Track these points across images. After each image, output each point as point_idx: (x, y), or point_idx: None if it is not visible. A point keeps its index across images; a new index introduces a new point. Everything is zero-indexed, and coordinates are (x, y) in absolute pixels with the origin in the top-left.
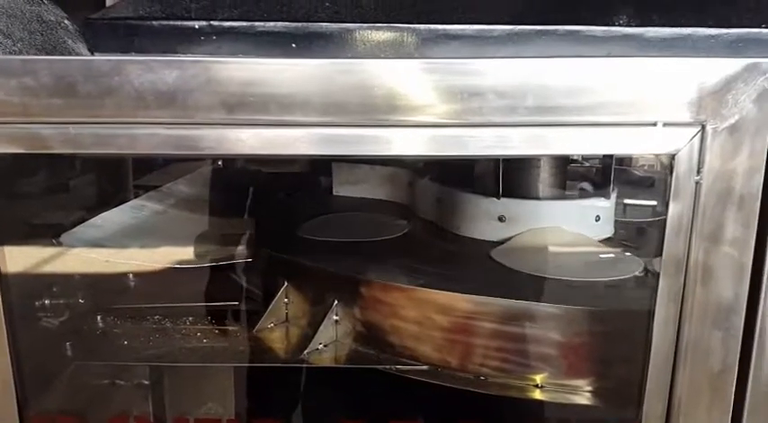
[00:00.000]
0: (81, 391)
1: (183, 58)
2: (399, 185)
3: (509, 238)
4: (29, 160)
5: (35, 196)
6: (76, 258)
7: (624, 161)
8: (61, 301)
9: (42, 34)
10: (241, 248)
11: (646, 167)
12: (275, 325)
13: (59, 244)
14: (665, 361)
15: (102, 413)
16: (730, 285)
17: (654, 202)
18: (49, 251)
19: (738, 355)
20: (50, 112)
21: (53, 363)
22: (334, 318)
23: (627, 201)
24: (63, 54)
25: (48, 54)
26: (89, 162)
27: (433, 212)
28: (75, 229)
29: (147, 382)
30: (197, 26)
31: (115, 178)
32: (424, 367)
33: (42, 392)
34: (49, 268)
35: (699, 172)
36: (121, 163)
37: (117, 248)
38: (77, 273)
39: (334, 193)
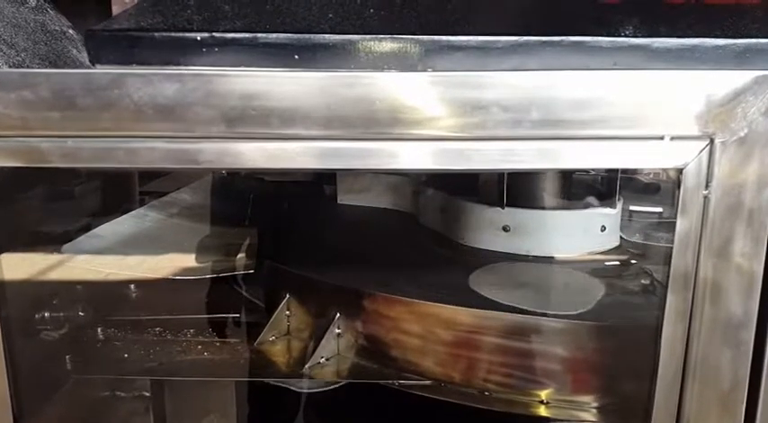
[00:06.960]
0: (81, 403)
1: (182, 70)
2: (404, 194)
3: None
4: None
5: (39, 204)
6: (77, 269)
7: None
8: (61, 313)
9: (46, 44)
10: (243, 259)
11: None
12: (277, 338)
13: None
14: (673, 378)
15: None
16: (740, 301)
17: (659, 209)
18: (49, 262)
19: (749, 373)
20: (49, 126)
21: (53, 375)
22: (337, 331)
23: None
24: (67, 64)
25: (51, 64)
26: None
27: (438, 222)
28: (77, 240)
29: (147, 395)
30: (199, 38)
31: (121, 185)
32: (428, 382)
33: (41, 405)
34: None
35: (707, 186)
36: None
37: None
38: (78, 284)
39: (339, 202)
